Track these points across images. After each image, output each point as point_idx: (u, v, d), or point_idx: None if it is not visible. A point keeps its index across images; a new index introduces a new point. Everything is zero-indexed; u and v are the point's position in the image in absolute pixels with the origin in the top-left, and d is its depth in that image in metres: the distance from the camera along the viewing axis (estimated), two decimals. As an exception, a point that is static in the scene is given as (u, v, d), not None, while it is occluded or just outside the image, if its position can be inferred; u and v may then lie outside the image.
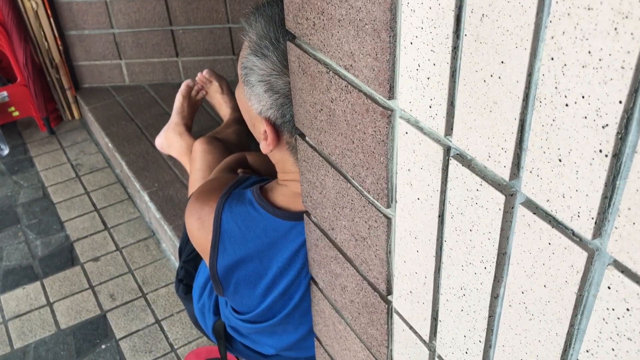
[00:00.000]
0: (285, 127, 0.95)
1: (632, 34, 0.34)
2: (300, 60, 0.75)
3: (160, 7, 2.62)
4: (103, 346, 1.87)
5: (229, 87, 1.90)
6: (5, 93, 2.72)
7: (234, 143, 1.69)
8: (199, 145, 1.59)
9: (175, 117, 1.85)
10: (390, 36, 0.56)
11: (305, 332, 1.13)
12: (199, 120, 2.36)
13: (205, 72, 1.88)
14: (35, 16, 2.61)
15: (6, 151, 2.75)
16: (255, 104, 0.95)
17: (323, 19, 0.66)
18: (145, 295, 2.03)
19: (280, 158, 1.01)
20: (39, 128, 2.87)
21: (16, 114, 2.79)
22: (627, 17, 0.34)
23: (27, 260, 2.19)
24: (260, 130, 0.98)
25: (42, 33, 2.66)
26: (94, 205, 2.41)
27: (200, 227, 1.05)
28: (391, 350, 0.80)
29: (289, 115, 0.92)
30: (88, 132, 2.85)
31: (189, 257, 1.48)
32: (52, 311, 1.99)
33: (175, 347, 1.84)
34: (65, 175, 2.59)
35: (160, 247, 2.20)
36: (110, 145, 2.51)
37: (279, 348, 1.19)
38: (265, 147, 0.98)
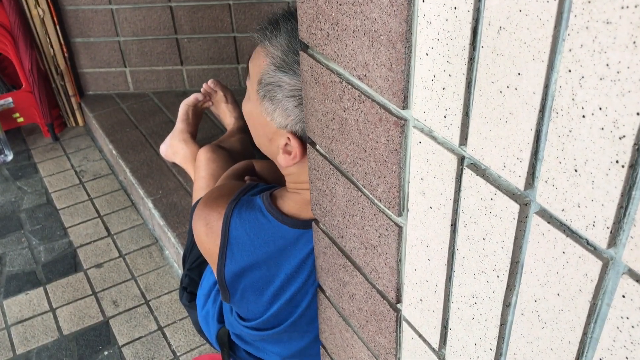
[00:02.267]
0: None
1: (650, 47, 0.35)
2: (313, 69, 0.76)
3: (166, 16, 2.64)
4: (106, 352, 1.87)
5: (234, 97, 1.92)
6: (10, 99, 2.73)
7: (238, 151, 1.69)
8: (203, 154, 1.60)
9: (180, 125, 1.86)
10: (405, 47, 0.57)
11: (311, 340, 1.14)
12: (202, 128, 2.37)
13: (210, 82, 1.89)
14: (42, 23, 2.63)
15: (10, 157, 2.76)
16: (279, 119, 0.96)
17: (337, 30, 0.67)
18: (148, 302, 2.03)
19: (297, 170, 1.01)
20: (43, 134, 2.88)
21: (21, 120, 2.80)
22: (645, 31, 0.35)
23: (31, 266, 2.19)
24: (279, 144, 0.99)
25: (48, 40, 2.68)
26: (97, 211, 2.42)
27: (208, 232, 1.05)
28: (399, 358, 0.81)
29: None
30: (92, 139, 2.86)
31: (193, 265, 1.48)
32: (55, 317, 1.99)
33: (178, 354, 1.84)
34: (69, 181, 2.60)
35: (163, 254, 2.21)
36: (114, 152, 2.52)
37: (284, 356, 1.19)
38: (289, 160, 0.99)
